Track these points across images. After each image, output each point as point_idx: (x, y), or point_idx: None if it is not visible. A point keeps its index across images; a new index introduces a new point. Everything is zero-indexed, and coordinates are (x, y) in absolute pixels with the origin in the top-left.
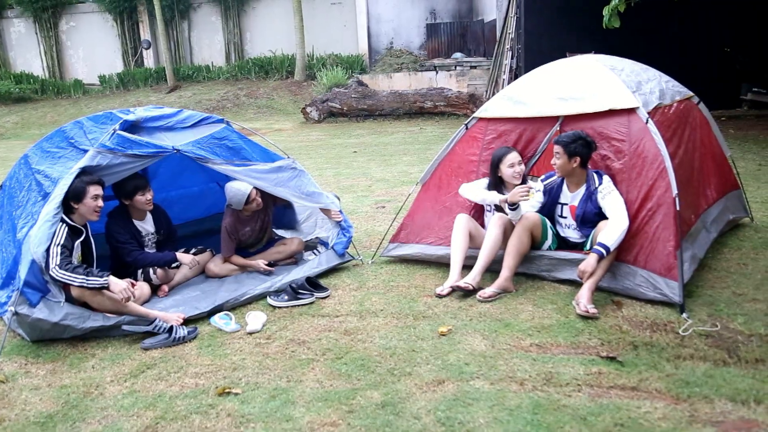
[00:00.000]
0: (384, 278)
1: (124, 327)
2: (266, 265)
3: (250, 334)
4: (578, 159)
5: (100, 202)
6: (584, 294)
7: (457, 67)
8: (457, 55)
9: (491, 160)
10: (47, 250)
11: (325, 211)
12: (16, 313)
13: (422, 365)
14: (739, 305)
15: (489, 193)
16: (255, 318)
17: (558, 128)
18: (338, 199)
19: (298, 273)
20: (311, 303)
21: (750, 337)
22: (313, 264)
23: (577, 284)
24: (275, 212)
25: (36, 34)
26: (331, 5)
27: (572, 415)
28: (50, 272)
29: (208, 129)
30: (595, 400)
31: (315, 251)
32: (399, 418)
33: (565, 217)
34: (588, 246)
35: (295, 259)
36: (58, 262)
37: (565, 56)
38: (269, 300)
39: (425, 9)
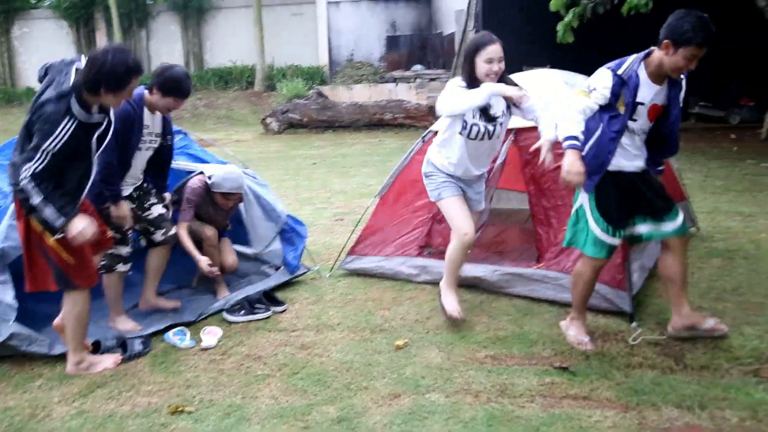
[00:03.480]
0: (341, 291)
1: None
2: (209, 266)
3: (205, 350)
4: None
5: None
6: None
7: (417, 80)
8: (417, 67)
9: (467, 48)
10: (40, 150)
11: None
12: None
13: (378, 379)
14: None
15: (471, 93)
16: (210, 334)
17: (513, 138)
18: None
19: (255, 288)
20: (267, 317)
21: (695, 345)
22: (268, 279)
23: (529, 299)
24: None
25: None
26: (291, 16)
27: (525, 426)
28: (20, 173)
29: None
30: (547, 410)
31: (271, 266)
32: None
33: (636, 120)
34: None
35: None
36: (37, 170)
37: (522, 70)
38: (225, 315)
39: (386, 21)
